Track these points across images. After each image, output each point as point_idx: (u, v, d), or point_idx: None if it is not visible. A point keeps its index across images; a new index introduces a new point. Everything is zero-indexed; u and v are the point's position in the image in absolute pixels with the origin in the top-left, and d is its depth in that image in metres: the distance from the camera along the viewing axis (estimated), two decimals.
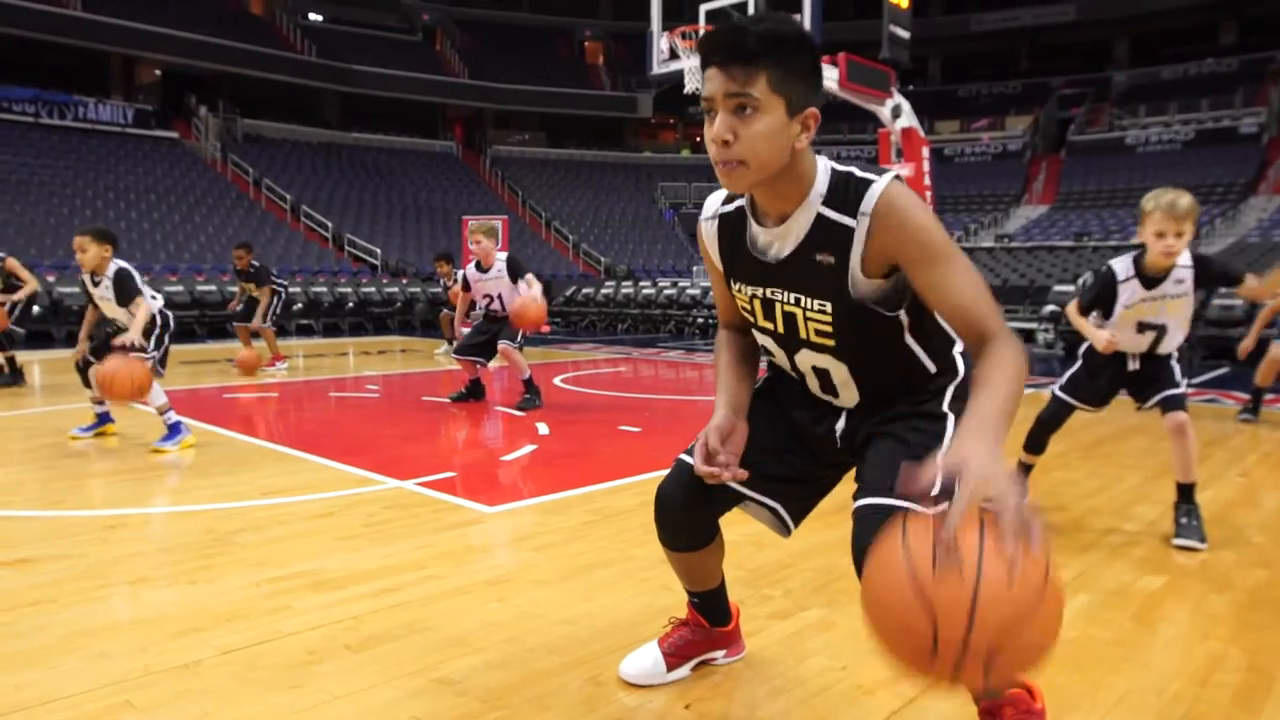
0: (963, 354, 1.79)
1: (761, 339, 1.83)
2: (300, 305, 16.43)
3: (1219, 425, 5.88)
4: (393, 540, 3.23)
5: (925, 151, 10.29)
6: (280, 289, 9.69)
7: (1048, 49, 38.71)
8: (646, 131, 40.32)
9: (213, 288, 16.02)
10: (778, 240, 1.64)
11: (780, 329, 1.73)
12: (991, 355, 1.47)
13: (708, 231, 1.79)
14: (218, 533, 3.32)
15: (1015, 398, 1.41)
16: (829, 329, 1.65)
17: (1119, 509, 3.76)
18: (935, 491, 1.27)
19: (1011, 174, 33.74)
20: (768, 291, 1.70)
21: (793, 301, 1.67)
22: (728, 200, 1.75)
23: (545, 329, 14.96)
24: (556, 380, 8.49)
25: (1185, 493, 3.34)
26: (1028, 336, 13.45)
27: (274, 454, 4.87)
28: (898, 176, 1.57)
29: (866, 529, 1.56)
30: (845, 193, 1.56)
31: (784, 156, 1.52)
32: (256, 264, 9.63)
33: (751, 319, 1.78)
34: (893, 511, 1.54)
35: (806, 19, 9.44)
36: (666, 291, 17.76)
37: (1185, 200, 3.14)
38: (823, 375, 1.76)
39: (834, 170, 1.59)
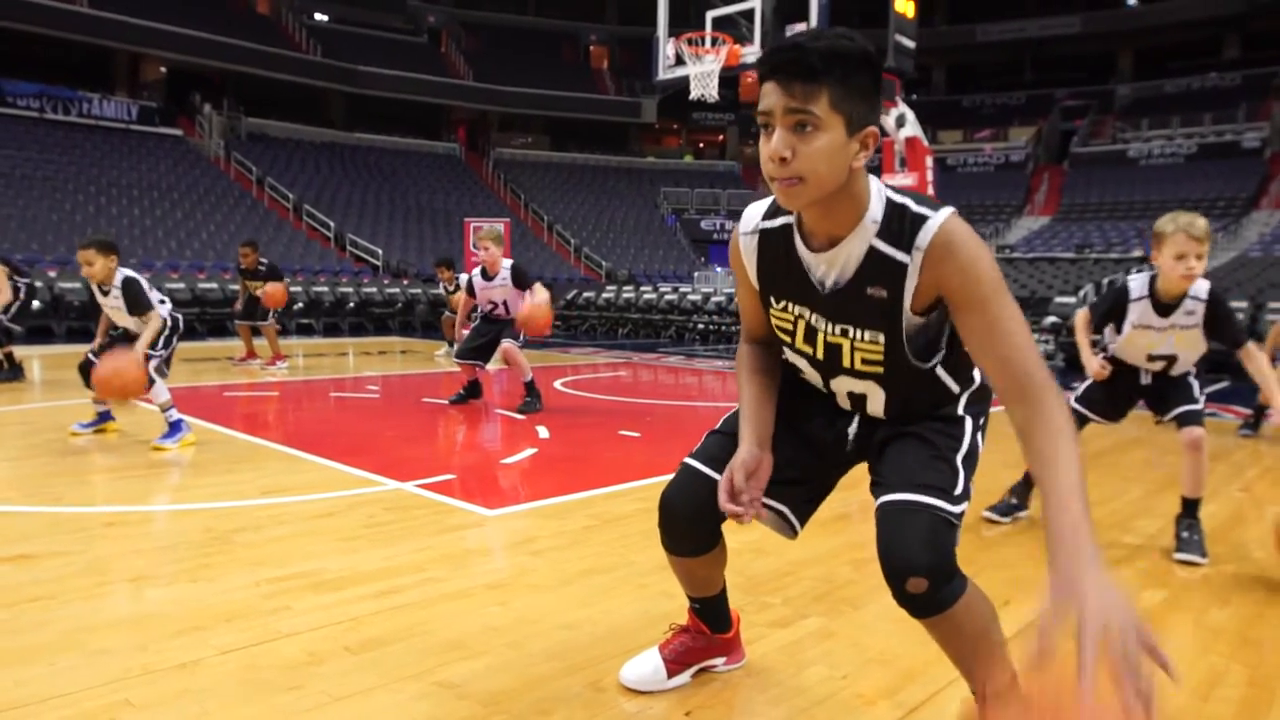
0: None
1: (794, 358, 1.79)
2: (301, 305, 16.42)
3: (1220, 440, 5.88)
4: (393, 542, 3.23)
5: (929, 161, 10.30)
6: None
7: (1052, 60, 38.78)
8: (650, 137, 40.34)
9: (214, 285, 16.02)
10: (826, 266, 1.61)
11: (820, 355, 1.71)
12: (1043, 424, 1.38)
13: (746, 246, 1.73)
14: (217, 531, 3.31)
15: (1083, 474, 1.31)
16: (878, 358, 1.64)
17: (1120, 522, 3.76)
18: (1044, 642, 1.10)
19: (1014, 185, 33.78)
20: (813, 318, 1.67)
21: (839, 333, 1.65)
22: (770, 215, 1.69)
23: (547, 332, 15.01)
24: (557, 384, 8.48)
25: (1189, 507, 3.33)
26: None
27: (274, 453, 4.87)
28: (955, 212, 1.54)
29: (893, 526, 1.57)
30: (901, 226, 1.53)
31: (842, 175, 1.48)
32: (265, 261, 9.64)
33: (789, 339, 1.75)
34: (917, 508, 1.55)
35: (813, 26, 9.45)
36: (668, 297, 17.77)
37: (1202, 221, 3.12)
38: (857, 399, 1.76)
39: (890, 200, 1.55)
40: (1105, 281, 14.29)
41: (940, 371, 1.68)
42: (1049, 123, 36.71)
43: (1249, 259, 21.41)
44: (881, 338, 1.61)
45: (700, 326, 16.39)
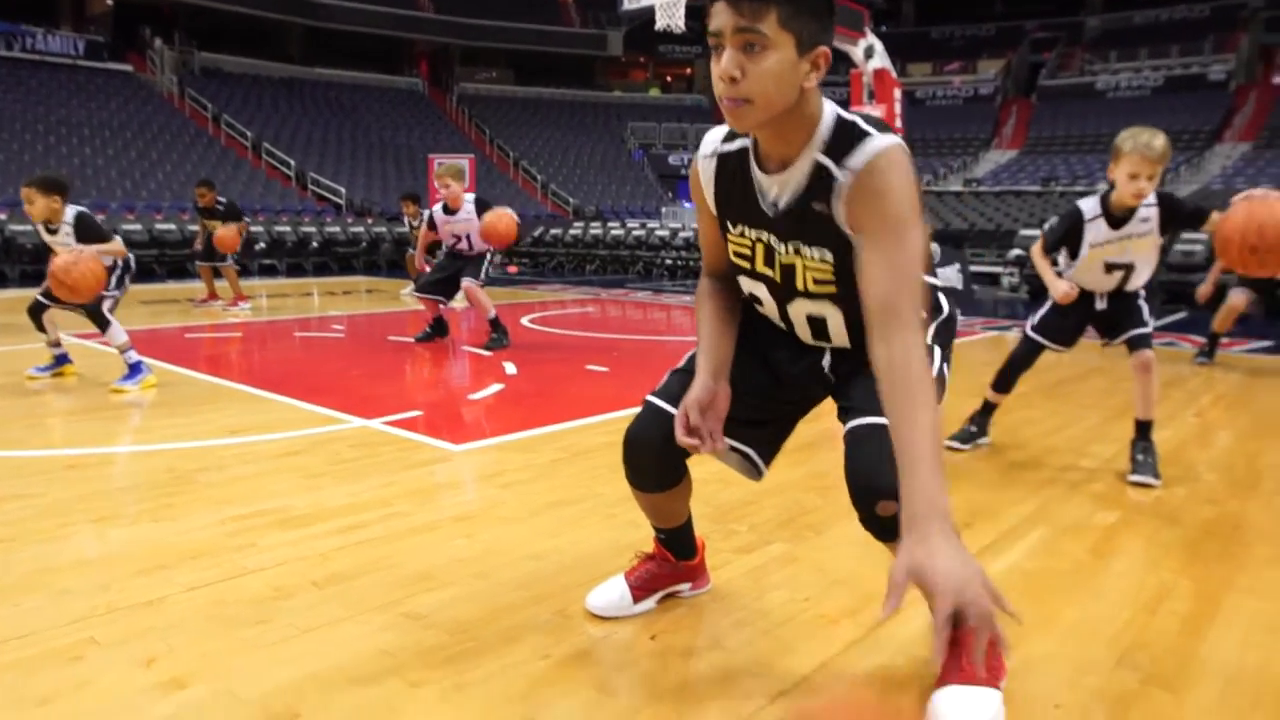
0: (945, 293, 1.79)
1: (751, 286, 1.78)
2: (263, 245, 16.13)
3: (1176, 368, 6.00)
4: (358, 478, 3.22)
5: (897, 93, 10.21)
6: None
7: None
8: (616, 70, 39.65)
9: (171, 226, 15.65)
10: (778, 187, 1.60)
11: (778, 278, 1.70)
12: (897, 374, 1.42)
13: (705, 170, 1.72)
14: (180, 471, 3.29)
15: (940, 431, 1.38)
16: (829, 277, 1.63)
17: (1077, 447, 3.84)
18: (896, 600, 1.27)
19: (982, 118, 33.70)
20: (770, 239, 1.66)
21: (792, 251, 1.64)
22: (729, 138, 1.68)
23: (513, 270, 14.80)
24: (524, 320, 8.45)
25: (1143, 430, 3.41)
26: (993, 280, 13.59)
27: (237, 394, 4.82)
28: (899, 143, 1.52)
29: (861, 448, 1.58)
30: (847, 144, 1.52)
31: (792, 96, 1.47)
32: (223, 200, 9.42)
33: (747, 265, 1.74)
34: (884, 430, 1.55)
35: None
36: (635, 233, 17.65)
37: (1160, 142, 3.14)
38: (817, 323, 1.75)
39: (839, 117, 1.54)
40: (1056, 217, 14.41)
41: None
42: (1018, 55, 36.53)
43: (1211, 191, 21.62)
44: (830, 255, 1.60)
45: (668, 262, 16.33)
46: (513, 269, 17.37)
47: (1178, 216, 3.37)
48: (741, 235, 1.71)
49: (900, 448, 1.38)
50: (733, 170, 1.67)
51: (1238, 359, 6.63)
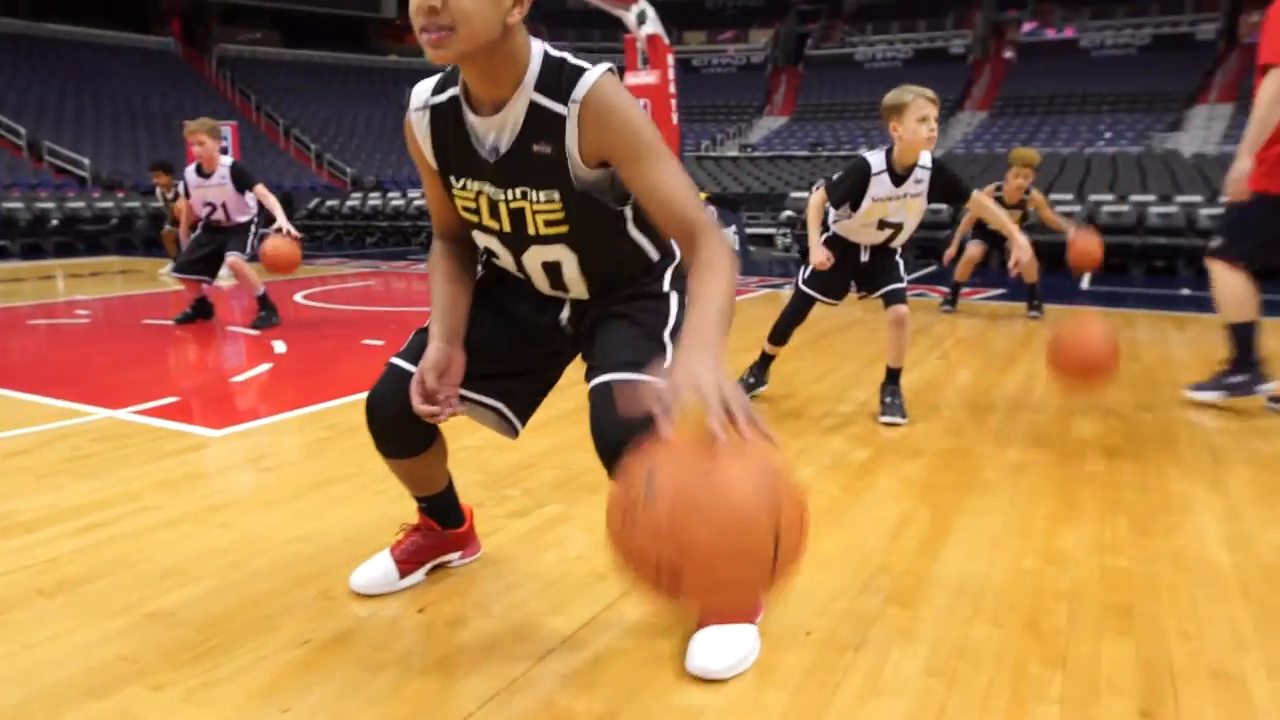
0: None
1: (485, 240, 1.76)
2: None
3: (924, 316, 6.55)
4: (101, 474, 2.94)
5: (670, 60, 10.40)
6: None
7: None
8: (392, 33, 38.01)
9: None
10: (495, 131, 1.57)
11: (507, 227, 1.67)
12: (701, 260, 1.46)
13: (418, 124, 1.67)
14: None
15: (730, 301, 1.42)
16: (560, 217, 1.62)
17: (837, 394, 4.11)
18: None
19: (755, 86, 35.12)
20: (491, 189, 1.63)
21: (519, 196, 1.61)
22: (439, 90, 1.64)
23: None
24: (298, 297, 8.00)
25: (892, 376, 3.69)
26: (768, 241, 14.27)
27: None
28: (611, 69, 1.55)
29: (602, 406, 1.58)
30: (558, 79, 1.52)
31: (495, 29, 1.44)
32: None
33: (476, 218, 1.70)
34: (628, 385, 1.57)
35: None
36: (417, 202, 17.08)
37: (929, 89, 3.44)
38: (553, 270, 1.74)
39: (547, 54, 1.54)
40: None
41: (633, 232, 1.70)
42: (785, 25, 38.27)
43: (954, 155, 23.65)
44: (557, 195, 1.59)
45: None
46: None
47: (946, 183, 3.64)
48: (464, 189, 1.67)
49: (690, 303, 1.42)
50: (446, 121, 1.63)
51: (977, 306, 7.33)
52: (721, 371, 1.23)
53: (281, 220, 5.89)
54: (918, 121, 3.41)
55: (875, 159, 3.60)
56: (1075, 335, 3.37)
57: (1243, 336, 3.81)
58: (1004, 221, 3.69)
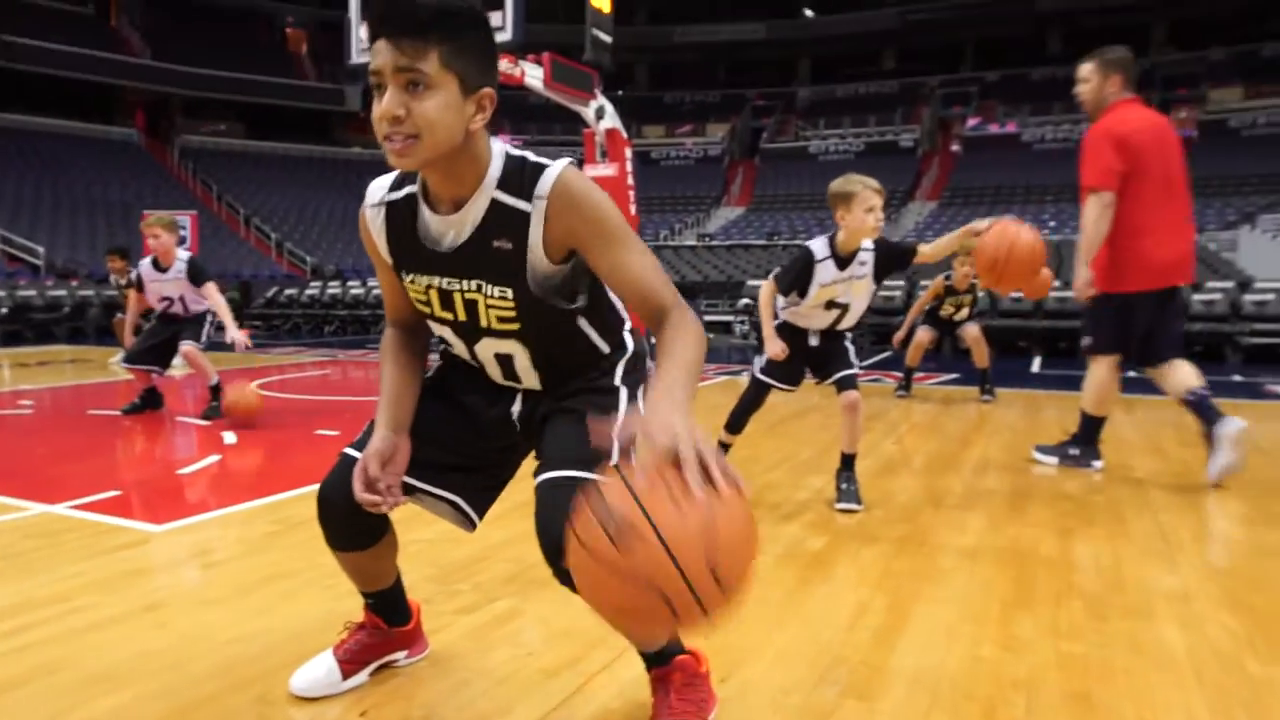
0: (631, 332, 1.84)
1: (439, 329, 1.77)
2: None
3: (880, 401, 6.63)
4: (30, 574, 2.82)
5: (628, 152, 10.64)
6: None
7: (743, 63, 41.80)
8: (355, 125, 38.61)
9: None
10: (453, 228, 1.59)
11: (461, 317, 1.68)
12: (670, 327, 1.51)
13: (373, 220, 1.69)
14: None
15: (697, 363, 1.46)
16: (512, 313, 1.63)
17: (793, 480, 4.10)
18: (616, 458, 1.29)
19: (712, 177, 36.06)
20: (444, 281, 1.64)
21: (474, 289, 1.62)
22: (396, 186, 1.66)
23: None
24: (252, 386, 7.86)
25: (848, 461, 3.70)
26: (725, 328, 14.43)
27: None
28: (571, 162, 1.58)
29: (547, 504, 1.56)
30: (520, 178, 1.55)
31: (458, 136, 1.47)
32: None
33: (428, 309, 1.72)
34: (574, 483, 1.55)
35: (509, 16, 9.43)
36: (376, 291, 17.07)
37: (875, 180, 3.55)
38: (505, 362, 1.74)
39: (509, 155, 1.57)
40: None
41: (584, 325, 1.70)
42: (741, 120, 39.59)
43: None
44: (510, 292, 1.60)
45: None
46: (245, 332, 16.19)
47: (892, 256, 3.76)
48: (413, 283, 1.68)
49: (659, 359, 1.47)
50: (402, 217, 1.65)
51: (931, 390, 7.44)
52: (693, 420, 1.26)
53: (231, 329, 5.83)
54: (865, 211, 3.51)
55: (819, 246, 3.67)
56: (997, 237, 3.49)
57: (1092, 425, 4.39)
58: (951, 243, 3.72)
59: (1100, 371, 4.32)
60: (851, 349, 3.82)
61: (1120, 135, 4.03)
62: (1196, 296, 11.21)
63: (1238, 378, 8.86)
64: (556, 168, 1.55)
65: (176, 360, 6.17)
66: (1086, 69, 4.28)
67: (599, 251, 1.55)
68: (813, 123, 38.05)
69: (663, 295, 1.54)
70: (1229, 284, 11.83)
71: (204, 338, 6.08)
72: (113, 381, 8.57)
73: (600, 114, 10.74)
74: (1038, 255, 3.53)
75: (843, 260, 3.63)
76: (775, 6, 39.69)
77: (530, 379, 1.76)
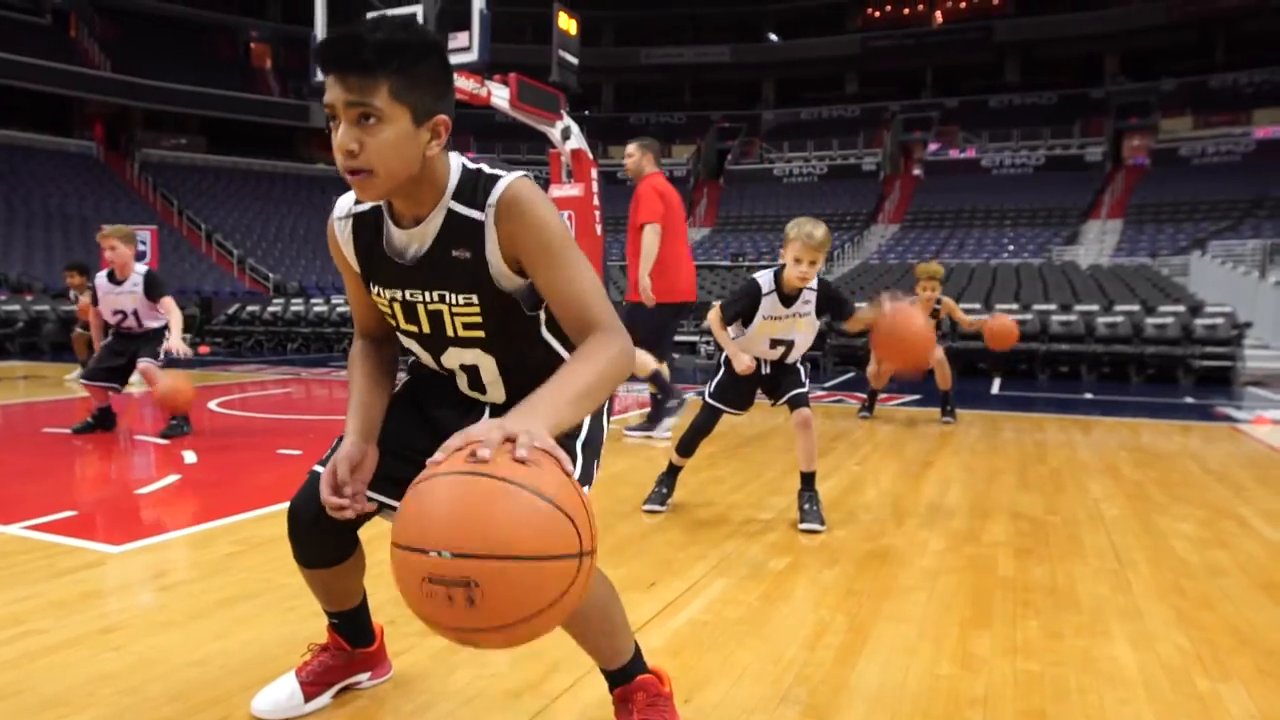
0: None
1: (406, 341, 1.78)
2: None
3: (843, 422, 6.69)
4: None
5: (594, 173, 10.70)
6: None
7: (708, 85, 42.24)
8: (320, 141, 38.39)
9: None
10: (415, 241, 1.60)
11: (426, 328, 1.69)
12: (585, 345, 1.49)
13: (341, 232, 1.70)
14: None
15: (590, 389, 1.41)
16: (478, 320, 1.64)
17: (756, 501, 4.14)
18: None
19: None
20: (407, 294, 1.65)
21: (437, 299, 1.63)
22: (361, 200, 1.67)
23: (204, 350, 13.66)
24: (212, 404, 7.78)
25: (808, 480, 3.74)
26: (690, 349, 14.49)
27: None
28: (526, 175, 1.60)
29: None
30: (474, 187, 1.56)
31: (414, 165, 1.49)
32: None
33: (394, 321, 1.73)
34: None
35: (475, 37, 9.47)
36: (340, 309, 16.96)
37: (820, 232, 3.53)
38: (471, 371, 1.75)
39: (465, 168, 1.59)
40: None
41: (548, 337, 1.71)
42: (706, 141, 39.92)
43: (869, 266, 24.65)
44: (475, 299, 1.62)
45: None
46: (204, 349, 15.99)
47: (831, 302, 3.78)
48: (379, 296, 1.70)
49: (553, 376, 1.42)
50: (369, 228, 1.67)
51: (893, 411, 7.53)
52: (535, 422, 1.26)
53: (175, 337, 5.79)
54: (794, 261, 3.55)
55: (765, 279, 3.71)
56: (893, 323, 3.59)
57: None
58: (866, 318, 3.77)
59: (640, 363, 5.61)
60: (802, 370, 3.88)
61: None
62: (1149, 320, 11.48)
63: (1189, 400, 9.08)
64: (509, 178, 1.56)
65: (134, 377, 6.07)
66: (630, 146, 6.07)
67: (537, 263, 1.55)
68: (777, 145, 38.50)
69: (595, 314, 1.53)
70: (1180, 308, 12.13)
71: (161, 354, 5.98)
72: (68, 398, 8.41)
73: (566, 134, 10.80)
74: (922, 344, 3.64)
75: (787, 297, 3.67)
76: (740, 30, 40.28)
77: (495, 390, 1.77)
